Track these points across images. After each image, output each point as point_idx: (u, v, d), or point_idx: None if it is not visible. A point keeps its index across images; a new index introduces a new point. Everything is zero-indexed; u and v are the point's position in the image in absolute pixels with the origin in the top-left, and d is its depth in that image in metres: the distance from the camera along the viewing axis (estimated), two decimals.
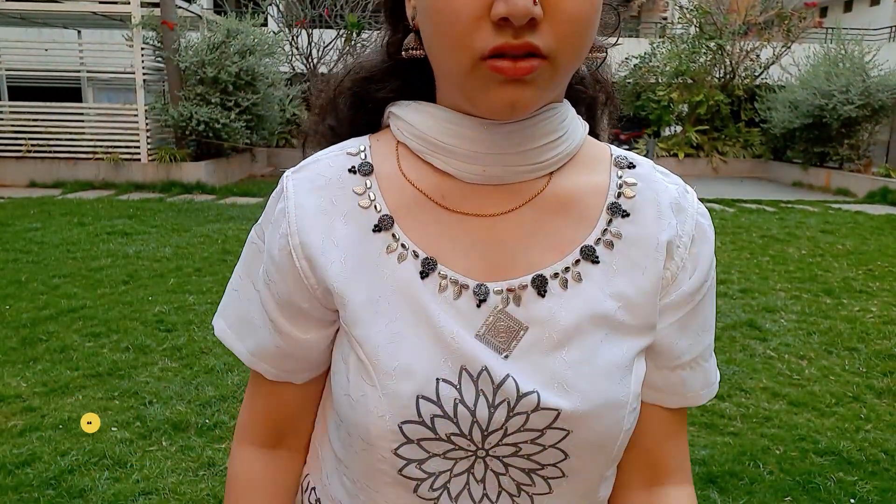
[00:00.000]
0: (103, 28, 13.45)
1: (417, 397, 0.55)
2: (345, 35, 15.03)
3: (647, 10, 27.61)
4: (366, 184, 0.61)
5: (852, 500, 2.56)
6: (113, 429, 2.96)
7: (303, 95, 15.02)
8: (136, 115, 11.39)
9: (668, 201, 0.62)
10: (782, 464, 2.80)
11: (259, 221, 0.65)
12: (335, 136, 0.67)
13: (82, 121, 11.81)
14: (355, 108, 0.67)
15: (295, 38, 15.08)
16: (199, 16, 12.63)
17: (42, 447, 2.78)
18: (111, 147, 11.40)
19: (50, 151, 11.45)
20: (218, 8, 21.09)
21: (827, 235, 8.10)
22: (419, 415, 0.55)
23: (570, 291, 0.58)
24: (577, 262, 0.59)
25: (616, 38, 0.65)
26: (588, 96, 0.68)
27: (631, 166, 0.63)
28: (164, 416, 3.05)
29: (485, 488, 0.58)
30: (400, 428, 0.56)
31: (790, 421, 3.21)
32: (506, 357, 0.56)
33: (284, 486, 0.70)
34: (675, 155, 16.35)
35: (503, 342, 0.56)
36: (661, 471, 0.66)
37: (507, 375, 0.55)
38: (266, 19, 14.14)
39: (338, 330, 0.62)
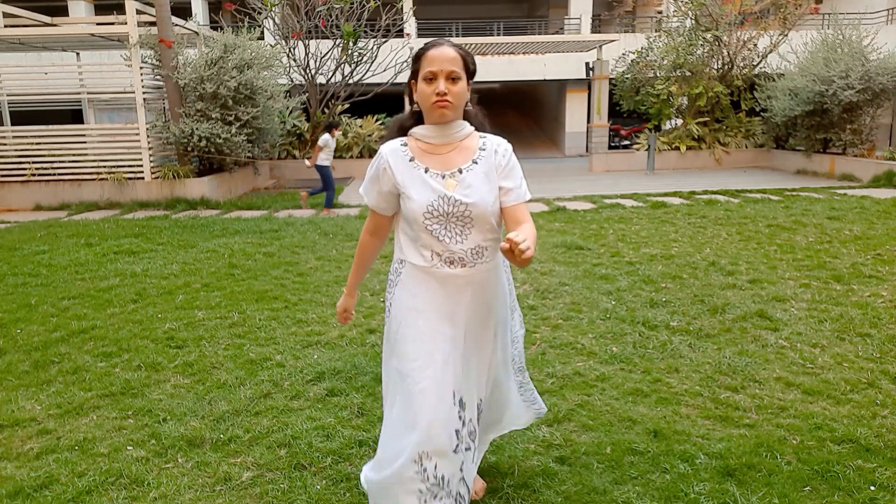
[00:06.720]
0: (102, 49, 13.55)
1: (427, 204, 2.00)
2: (341, 45, 15.08)
3: (643, 4, 27.58)
4: (406, 149, 2.07)
5: (872, 487, 2.54)
6: (129, 448, 2.97)
7: (302, 106, 15.04)
8: (137, 134, 11.44)
9: (496, 144, 2.09)
10: (800, 454, 2.78)
11: (371, 163, 2.10)
12: (392, 137, 2.14)
13: (84, 142, 11.87)
14: (401, 131, 2.14)
15: (292, 49, 15.12)
16: (196, 32, 12.68)
17: (59, 469, 2.79)
18: (114, 167, 11.45)
19: (54, 174, 11.51)
20: (214, 24, 21.15)
21: (833, 222, 8.07)
22: (430, 208, 2.00)
23: (469, 173, 2.03)
24: (472, 164, 2.04)
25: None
26: (471, 120, 2.13)
27: (484, 140, 2.09)
28: (179, 433, 3.06)
29: (453, 231, 2.03)
30: (423, 213, 2.01)
31: (805, 410, 3.20)
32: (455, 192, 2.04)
33: (378, 247, 2.27)
34: (677, 148, 16.31)
35: (453, 189, 2.03)
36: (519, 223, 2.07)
37: (454, 196, 2.01)
38: (262, 33, 14.17)
39: (399, 195, 2.06)
